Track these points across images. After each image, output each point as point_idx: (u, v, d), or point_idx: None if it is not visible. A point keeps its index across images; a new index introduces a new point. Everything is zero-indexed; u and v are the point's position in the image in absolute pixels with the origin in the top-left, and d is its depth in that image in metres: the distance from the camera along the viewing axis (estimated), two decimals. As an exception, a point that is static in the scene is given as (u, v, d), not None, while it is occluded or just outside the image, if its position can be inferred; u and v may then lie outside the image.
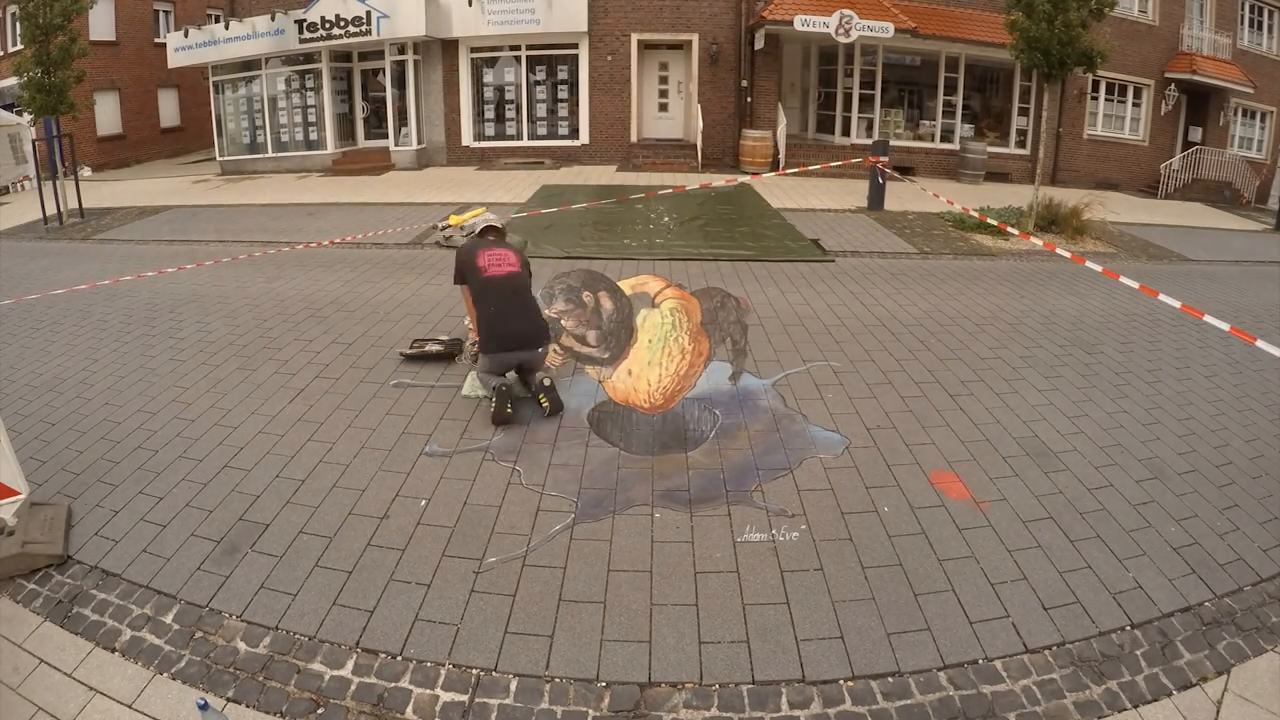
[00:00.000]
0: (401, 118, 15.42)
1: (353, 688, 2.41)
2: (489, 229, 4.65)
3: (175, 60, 16.28)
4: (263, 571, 2.93)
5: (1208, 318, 4.00)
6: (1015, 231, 7.77)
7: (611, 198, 10.93)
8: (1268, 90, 17.07)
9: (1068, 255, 5.64)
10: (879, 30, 13.17)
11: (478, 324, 4.28)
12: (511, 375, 4.28)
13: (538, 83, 15.55)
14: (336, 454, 3.83)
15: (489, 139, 15.76)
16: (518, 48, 15.18)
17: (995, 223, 7.66)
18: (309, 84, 15.71)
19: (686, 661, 2.50)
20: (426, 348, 5.07)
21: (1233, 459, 3.95)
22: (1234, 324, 3.92)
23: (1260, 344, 3.52)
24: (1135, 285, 4.53)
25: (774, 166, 13.95)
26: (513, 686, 2.40)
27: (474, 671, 2.46)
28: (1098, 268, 4.95)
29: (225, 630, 2.64)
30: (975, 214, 8.31)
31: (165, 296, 6.73)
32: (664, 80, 15.65)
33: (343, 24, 14.31)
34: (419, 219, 9.87)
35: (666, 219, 9.96)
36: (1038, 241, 6.60)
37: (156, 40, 19.49)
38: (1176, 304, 4.12)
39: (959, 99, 15.29)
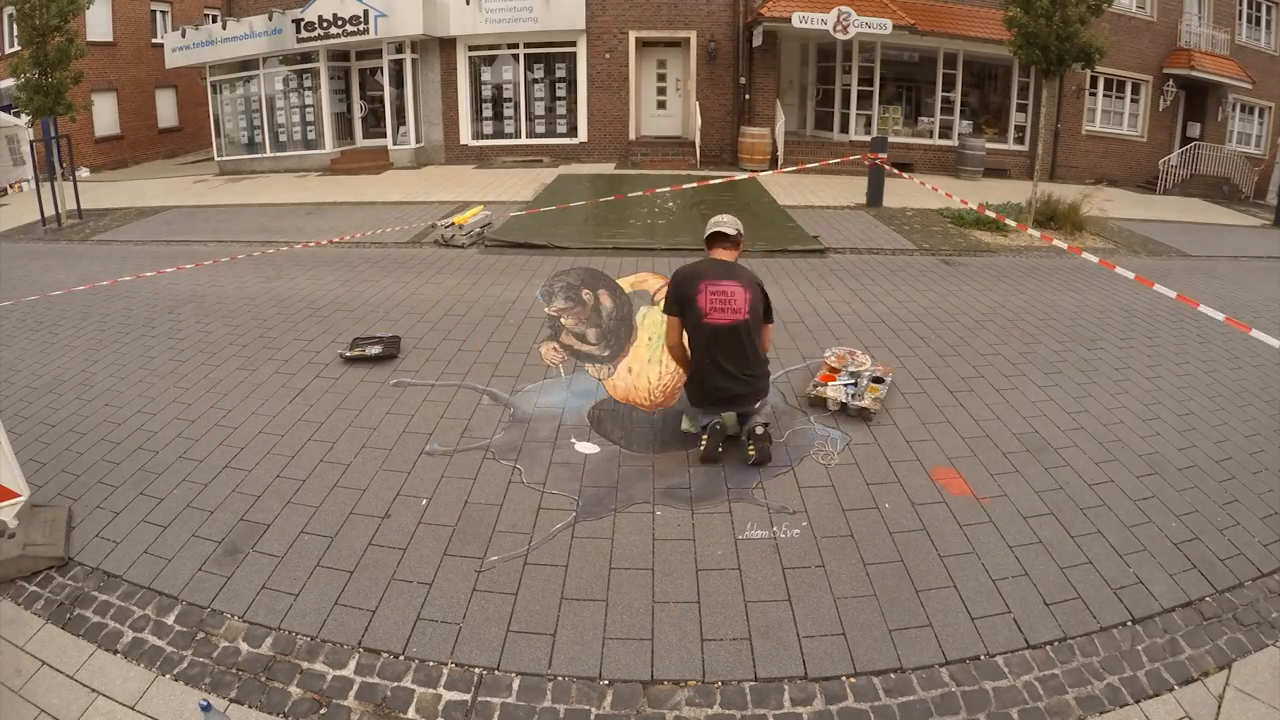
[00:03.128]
0: (399, 117, 15.40)
1: (355, 688, 2.41)
2: (719, 235, 3.77)
3: (172, 60, 16.26)
4: (264, 572, 2.93)
5: (1202, 307, 4.01)
6: (1033, 232, 7.62)
7: (611, 194, 10.94)
8: (1266, 86, 17.07)
9: (1095, 260, 5.62)
10: (877, 27, 13.16)
11: (687, 368, 3.83)
12: (728, 415, 3.79)
13: (536, 81, 15.53)
14: (337, 454, 3.82)
15: (487, 137, 15.75)
16: (515, 46, 15.16)
17: (1015, 224, 7.57)
18: (307, 83, 15.68)
19: (689, 659, 2.50)
20: (366, 350, 5.07)
21: (1233, 454, 3.95)
22: (1232, 318, 3.92)
23: (1255, 334, 3.52)
24: (1131, 275, 4.53)
25: (773, 164, 13.94)
26: (515, 685, 2.41)
27: (476, 670, 2.46)
28: (1093, 258, 4.95)
29: (227, 631, 2.64)
30: (991, 213, 8.28)
31: (164, 297, 6.72)
32: (662, 78, 15.63)
33: (340, 23, 14.29)
34: (418, 218, 9.86)
35: (670, 204, 10.55)
36: (1062, 244, 6.50)
37: (154, 40, 19.46)
38: (1172, 294, 4.13)
39: (957, 95, 15.28)
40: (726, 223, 3.80)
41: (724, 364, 3.60)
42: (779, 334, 5.57)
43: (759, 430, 3.65)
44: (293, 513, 3.31)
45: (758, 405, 3.76)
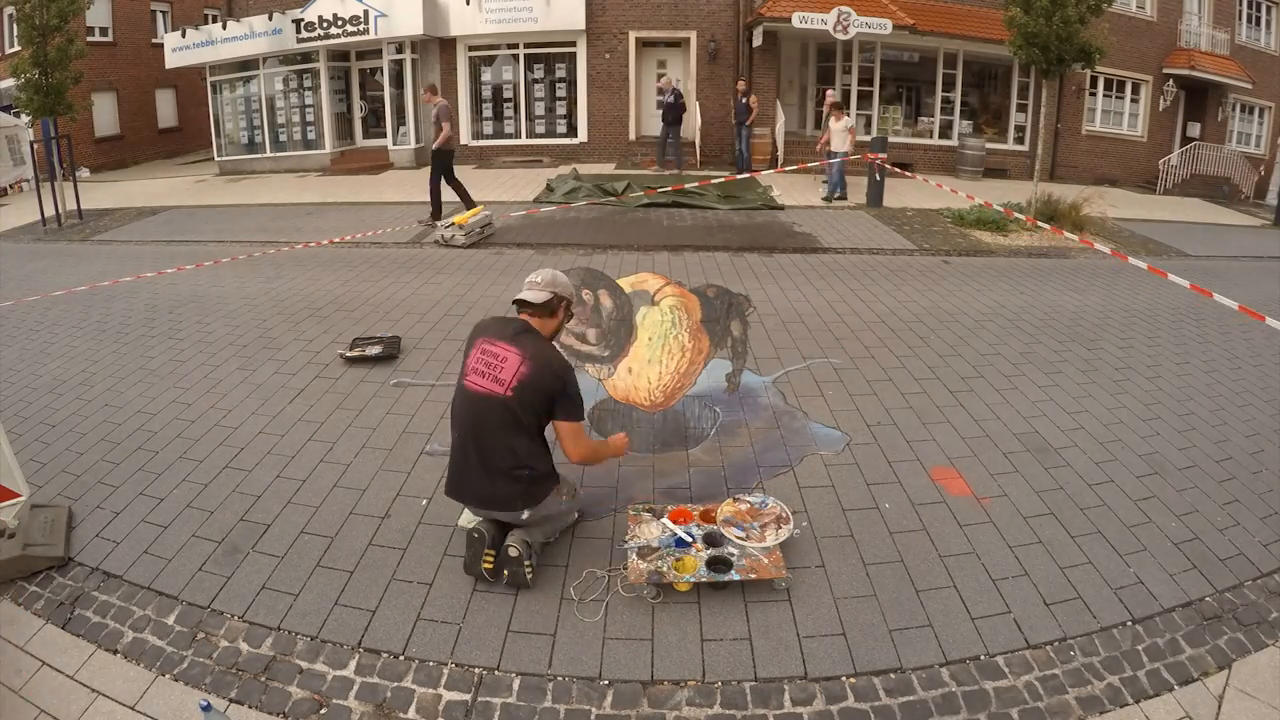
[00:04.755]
0: (399, 116, 15.40)
1: (355, 688, 2.41)
2: (521, 302, 2.92)
3: (173, 60, 16.25)
4: (264, 572, 2.93)
5: (1217, 296, 4.01)
6: (1044, 224, 7.39)
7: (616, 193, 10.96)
8: (1266, 86, 17.06)
9: (1108, 250, 5.62)
10: (877, 27, 13.16)
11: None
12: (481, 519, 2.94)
13: (536, 81, 15.53)
14: (337, 454, 3.82)
15: (487, 137, 15.75)
16: (515, 46, 15.16)
17: (1024, 216, 7.55)
18: (306, 83, 15.68)
19: (689, 659, 2.50)
20: (366, 350, 5.07)
21: (1233, 454, 3.95)
22: (1234, 322, 3.92)
23: (1270, 321, 3.52)
24: (1144, 265, 4.54)
25: (773, 164, 13.93)
26: (515, 685, 2.40)
27: (477, 670, 2.46)
28: (1106, 249, 4.94)
29: (227, 631, 2.64)
30: (999, 207, 8.26)
31: (164, 297, 6.72)
32: (662, 78, 15.61)
33: (340, 23, 14.29)
34: (418, 218, 9.86)
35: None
36: (1073, 237, 6.43)
37: (154, 40, 19.45)
38: (1185, 283, 4.13)
39: (957, 95, 15.28)
40: (535, 284, 2.93)
41: (470, 447, 2.81)
42: (779, 333, 5.56)
43: (512, 551, 2.76)
44: (293, 513, 3.31)
45: (521, 514, 2.83)
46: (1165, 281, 4.88)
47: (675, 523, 3.03)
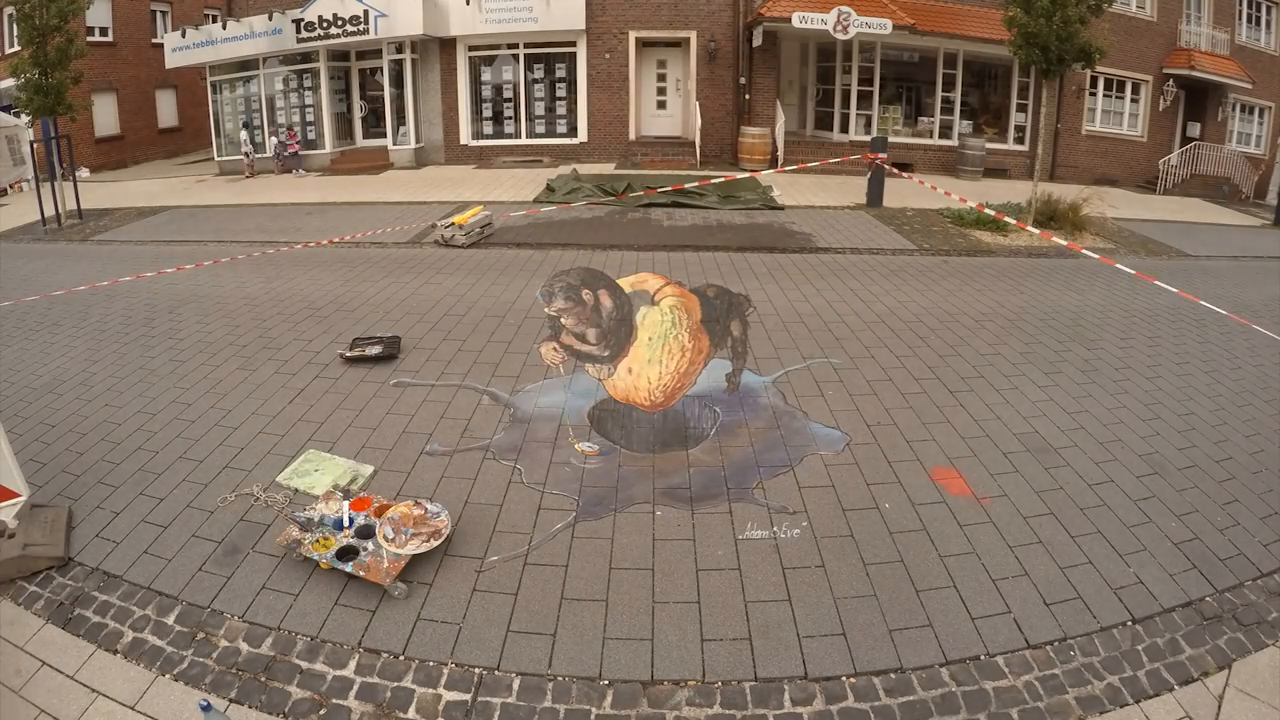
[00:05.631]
0: (399, 117, 15.39)
1: (355, 688, 2.41)
2: None
3: (173, 60, 16.25)
4: (264, 572, 2.93)
5: (1203, 301, 4.03)
6: (1033, 229, 7.48)
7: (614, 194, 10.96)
8: (1266, 86, 17.05)
9: (1096, 256, 5.62)
10: (877, 27, 13.16)
11: None
12: None
13: (536, 81, 15.53)
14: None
15: (487, 137, 15.74)
16: (515, 46, 15.15)
17: (1015, 222, 7.52)
18: (306, 83, 15.68)
19: (689, 659, 2.50)
20: (366, 350, 5.07)
21: (1233, 454, 3.95)
22: (1234, 322, 3.93)
23: (1256, 327, 3.54)
24: (1131, 271, 4.55)
25: (773, 164, 13.94)
26: (515, 685, 2.40)
27: (476, 670, 2.46)
28: (1094, 255, 4.95)
29: (227, 631, 2.64)
30: (991, 211, 8.27)
31: (164, 297, 6.72)
32: (662, 78, 15.62)
33: (340, 23, 14.28)
34: (418, 218, 9.86)
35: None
36: (1062, 241, 6.44)
37: (154, 40, 19.46)
38: (1173, 289, 4.15)
39: (957, 95, 15.27)
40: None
41: None
42: (779, 333, 5.57)
43: None
44: (293, 513, 3.31)
45: None
46: (1163, 280, 4.90)
47: (353, 509, 3.11)
